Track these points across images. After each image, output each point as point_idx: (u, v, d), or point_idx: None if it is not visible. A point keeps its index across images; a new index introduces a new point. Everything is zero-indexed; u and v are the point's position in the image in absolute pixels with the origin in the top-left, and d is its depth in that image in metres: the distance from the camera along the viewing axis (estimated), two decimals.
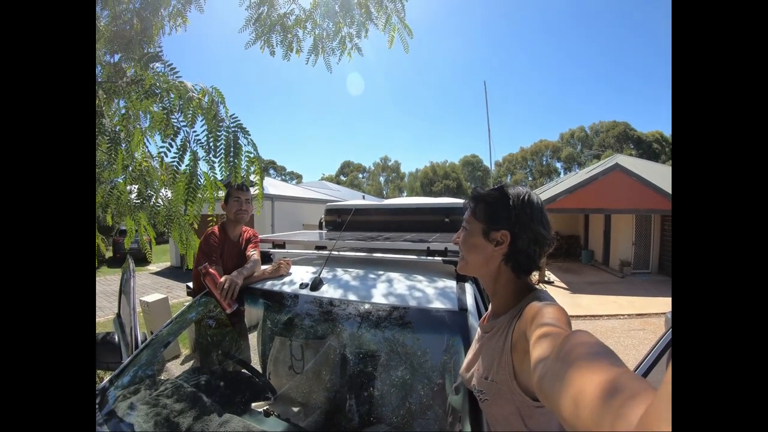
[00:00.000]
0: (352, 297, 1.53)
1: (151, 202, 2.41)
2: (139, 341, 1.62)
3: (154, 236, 2.80)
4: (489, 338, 0.92)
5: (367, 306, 1.47)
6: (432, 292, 1.52)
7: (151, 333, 3.21)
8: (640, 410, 0.36)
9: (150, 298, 4.86)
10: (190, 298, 4.93)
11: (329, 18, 2.99)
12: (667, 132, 42.77)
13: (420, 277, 1.69)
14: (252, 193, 2.22)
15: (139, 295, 5.38)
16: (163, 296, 5.00)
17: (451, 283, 1.60)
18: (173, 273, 11.88)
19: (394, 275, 1.73)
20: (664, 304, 7.57)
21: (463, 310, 1.36)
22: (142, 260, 11.34)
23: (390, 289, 1.57)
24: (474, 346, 1.02)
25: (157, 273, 12.04)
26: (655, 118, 73.50)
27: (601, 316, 7.47)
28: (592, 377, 0.46)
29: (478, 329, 1.02)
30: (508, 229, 0.90)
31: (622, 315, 7.48)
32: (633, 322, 7.07)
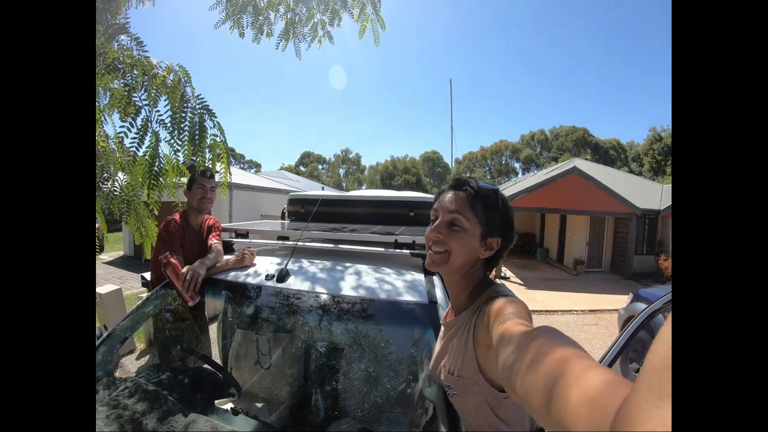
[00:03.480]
0: (319, 289, 1.49)
1: (106, 187, 2.25)
2: (95, 336, 1.50)
3: (106, 226, 2.61)
4: (452, 335, 0.92)
5: (335, 298, 1.44)
6: (401, 285, 1.51)
7: (105, 327, 3.02)
8: (613, 402, 0.35)
9: (103, 289, 4.56)
10: (144, 289, 4.68)
11: (303, 3, 2.90)
12: (624, 139, 45.19)
13: (388, 270, 1.67)
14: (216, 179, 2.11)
15: None
16: (116, 287, 4.72)
17: (419, 276, 1.60)
18: (126, 263, 11.27)
19: (361, 267, 1.71)
20: (616, 301, 7.97)
21: (432, 302, 1.37)
22: None
23: (358, 281, 1.55)
24: (439, 343, 1.02)
25: (110, 263, 11.38)
26: (613, 126, 77.66)
27: (556, 311, 7.80)
28: (561, 372, 0.45)
29: (442, 326, 1.02)
30: (500, 235, 0.90)
31: (576, 310, 7.84)
32: (587, 317, 7.42)
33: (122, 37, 1.81)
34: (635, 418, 0.30)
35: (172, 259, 1.62)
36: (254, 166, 56.83)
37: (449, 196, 0.91)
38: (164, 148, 1.90)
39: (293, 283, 1.54)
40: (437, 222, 0.90)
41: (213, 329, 2.19)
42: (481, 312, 0.83)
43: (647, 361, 0.32)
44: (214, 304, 1.78)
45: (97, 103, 1.88)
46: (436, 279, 1.56)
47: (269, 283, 1.55)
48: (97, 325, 1.50)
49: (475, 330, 0.83)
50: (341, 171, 56.73)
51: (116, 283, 6.00)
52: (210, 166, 1.98)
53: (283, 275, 1.56)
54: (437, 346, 1.03)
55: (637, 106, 69.34)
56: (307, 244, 1.99)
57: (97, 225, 2.56)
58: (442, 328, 1.01)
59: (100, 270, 10.07)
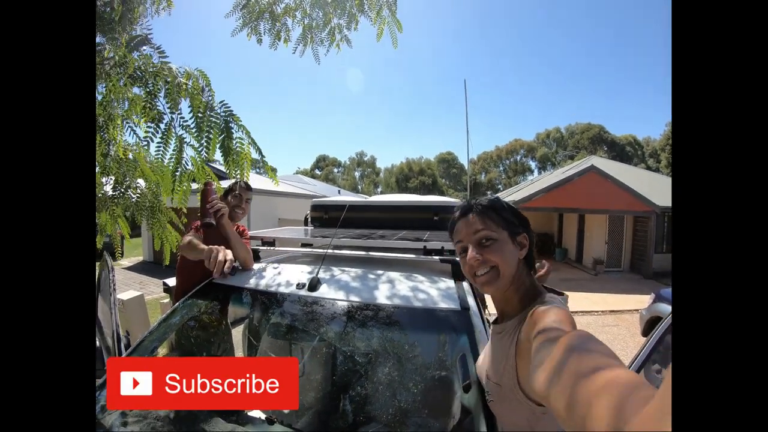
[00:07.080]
0: (352, 297, 1.47)
1: (129, 194, 2.27)
2: (122, 345, 1.50)
3: (128, 231, 2.64)
4: (499, 339, 0.92)
5: (368, 306, 1.43)
6: (433, 292, 1.49)
7: (127, 333, 3.05)
8: (636, 406, 0.35)
9: (125, 295, 4.63)
10: (165, 294, 4.73)
11: (319, 8, 2.90)
12: (640, 135, 44.32)
13: (419, 277, 1.65)
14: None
15: None
16: (138, 293, 4.79)
17: (450, 282, 1.58)
18: (146, 268, 11.49)
19: (391, 275, 1.69)
20: (636, 301, 7.78)
21: (465, 308, 1.36)
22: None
23: (390, 289, 1.53)
24: (488, 344, 1.03)
25: (129, 268, 11.62)
26: (629, 122, 76.25)
27: (576, 312, 7.66)
28: (588, 375, 0.45)
29: (491, 326, 1.02)
30: (524, 231, 0.95)
31: (596, 311, 7.70)
32: (607, 318, 7.29)
33: (144, 47, 1.84)
34: (656, 423, 0.30)
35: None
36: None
37: (463, 222, 0.95)
38: (189, 152, 1.92)
39: (325, 291, 1.52)
40: (470, 248, 0.91)
41: (237, 340, 2.18)
42: (525, 322, 0.82)
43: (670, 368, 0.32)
44: (242, 313, 1.78)
45: (116, 111, 1.90)
46: (466, 285, 1.54)
47: (301, 292, 1.53)
48: (121, 333, 1.50)
49: (519, 339, 0.82)
50: (356, 174, 56.64)
51: (136, 289, 6.09)
52: (238, 172, 1.98)
53: (314, 284, 1.54)
54: (487, 346, 1.05)
55: (653, 100, 67.54)
56: (335, 251, 1.98)
57: (117, 230, 2.59)
58: (491, 329, 1.01)
59: (120, 275, 10.25)
